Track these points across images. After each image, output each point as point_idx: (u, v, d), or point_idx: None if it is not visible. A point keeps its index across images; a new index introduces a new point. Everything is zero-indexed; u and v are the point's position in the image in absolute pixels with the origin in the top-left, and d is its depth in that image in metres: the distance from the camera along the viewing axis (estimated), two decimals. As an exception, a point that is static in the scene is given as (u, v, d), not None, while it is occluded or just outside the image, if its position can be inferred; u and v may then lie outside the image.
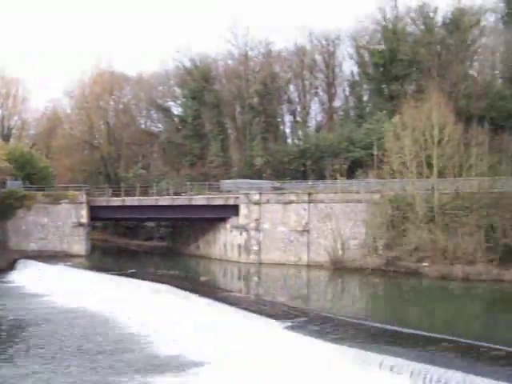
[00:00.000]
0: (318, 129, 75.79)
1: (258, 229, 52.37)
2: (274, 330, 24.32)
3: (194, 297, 32.11)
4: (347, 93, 77.53)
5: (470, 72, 67.17)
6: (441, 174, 45.78)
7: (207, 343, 25.23)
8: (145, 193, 60.94)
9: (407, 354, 19.92)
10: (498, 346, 20.66)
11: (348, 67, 77.05)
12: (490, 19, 70.98)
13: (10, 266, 50.52)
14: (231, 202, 54.49)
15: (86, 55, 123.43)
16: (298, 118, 77.70)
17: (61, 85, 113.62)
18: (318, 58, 77.49)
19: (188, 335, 26.82)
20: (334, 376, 20.00)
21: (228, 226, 55.28)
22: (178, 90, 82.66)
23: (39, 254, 53.62)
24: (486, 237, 40.68)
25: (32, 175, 62.65)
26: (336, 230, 48.95)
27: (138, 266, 48.43)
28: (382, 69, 68.25)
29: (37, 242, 56.17)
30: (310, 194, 51.09)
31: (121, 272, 42.59)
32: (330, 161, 61.80)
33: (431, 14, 68.68)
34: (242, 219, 53.19)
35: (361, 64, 74.67)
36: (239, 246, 53.57)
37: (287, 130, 79.23)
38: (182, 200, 57.08)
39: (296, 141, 74.33)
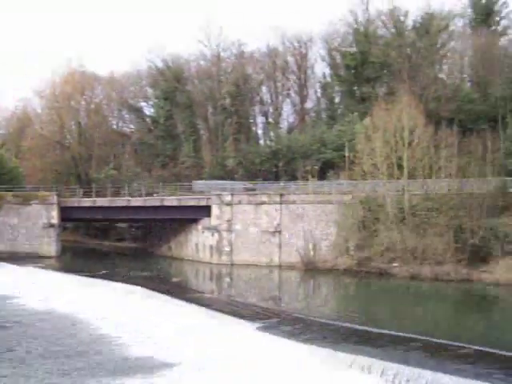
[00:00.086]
0: (290, 130, 76.05)
1: (229, 230, 52.38)
2: (245, 330, 24.43)
3: (165, 298, 32.08)
4: (319, 94, 77.98)
5: (440, 75, 68.02)
6: (411, 176, 46.28)
7: (178, 344, 25.20)
8: (116, 193, 60.54)
9: (378, 354, 20.19)
10: (465, 345, 21.07)
11: (320, 69, 77.55)
12: (458, 24, 72.24)
13: (-22, 268, 49.77)
14: (203, 202, 54.42)
15: (57, 55, 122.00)
16: (270, 120, 77.91)
17: (31, 84, 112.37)
18: (291, 59, 77.86)
19: (159, 336, 26.76)
20: (305, 376, 20.14)
21: (200, 226, 55.19)
22: (150, 91, 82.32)
23: (9, 256, 52.93)
24: (454, 237, 41.16)
25: (1, 175, 61.87)
26: (308, 230, 49.20)
27: (110, 268, 48.13)
28: (353, 71, 68.74)
29: (6, 243, 55.47)
30: (281, 195, 51.25)
31: (92, 273, 42.32)
32: (301, 162, 62.10)
33: (402, 18, 69.46)
34: (213, 220, 53.15)
35: (333, 66, 75.18)
36: (211, 246, 53.51)
37: (259, 131, 79.44)
38: (153, 201, 56.85)
39: (268, 142, 74.48)
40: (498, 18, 71.03)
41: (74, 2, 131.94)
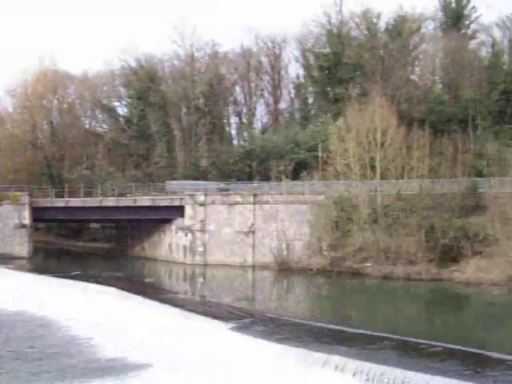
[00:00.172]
0: (264, 130, 76.24)
1: (203, 230, 52.32)
2: (219, 330, 24.46)
3: (138, 298, 31.96)
4: (293, 95, 78.32)
5: (412, 77, 68.84)
6: (384, 176, 46.73)
7: (152, 345, 25.13)
8: (89, 194, 60.09)
9: (350, 353, 20.36)
10: (435, 343, 21.38)
11: (294, 70, 77.89)
12: (429, 27, 73.31)
13: None
14: (176, 203, 54.29)
15: (29, 53, 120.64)
16: (244, 120, 78.01)
17: (2, 83, 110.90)
18: (264, 60, 78.08)
19: (132, 337, 26.65)
20: (279, 375, 20.23)
21: (173, 227, 55.04)
22: (123, 90, 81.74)
23: (-21, 257, 52.24)
24: (426, 237, 41.63)
25: (-29, 176, 61.01)
26: (281, 231, 49.36)
27: (83, 268, 47.78)
28: (326, 72, 69.14)
29: (-23, 244, 54.75)
30: (255, 195, 51.34)
31: (64, 274, 41.98)
32: (275, 162, 62.24)
33: (374, 20, 70.14)
34: (187, 220, 53.05)
35: (306, 67, 75.58)
36: (184, 247, 53.41)
37: (233, 132, 79.46)
38: (126, 201, 56.55)
39: (242, 142, 74.58)
40: (467, 22, 72.24)
41: (47, 0, 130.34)
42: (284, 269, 46.92)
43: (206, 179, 64.04)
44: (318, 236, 46.73)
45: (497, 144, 53.17)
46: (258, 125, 78.46)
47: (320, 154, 54.22)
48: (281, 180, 55.57)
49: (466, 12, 71.65)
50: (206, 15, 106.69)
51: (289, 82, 78.45)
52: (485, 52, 70.66)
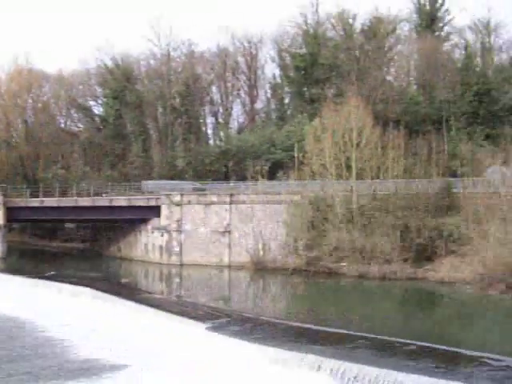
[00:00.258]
0: (240, 130, 76.37)
1: (179, 230, 52.20)
2: (195, 330, 24.44)
3: (113, 299, 31.79)
4: (269, 95, 78.60)
5: (387, 78, 69.48)
6: (359, 176, 47.01)
7: (127, 345, 25.07)
8: (64, 194, 59.56)
9: (326, 352, 20.48)
10: (410, 341, 21.61)
11: (270, 70, 78.20)
12: (404, 28, 74.10)
13: None
14: (152, 203, 54.06)
15: (3, 52, 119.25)
16: (220, 120, 78.08)
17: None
18: (241, 59, 78.25)
19: (107, 338, 26.56)
20: (255, 375, 20.32)
21: (149, 227, 54.81)
22: (99, 90, 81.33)
23: (-49, 258, 51.55)
24: (401, 237, 42.00)
25: None
26: (257, 230, 49.42)
27: (58, 269, 47.28)
28: (303, 72, 69.46)
29: None
30: (231, 195, 51.35)
31: (39, 275, 41.57)
32: (251, 162, 62.33)
33: (350, 21, 70.72)
34: (163, 220, 52.89)
35: (282, 67, 75.87)
36: (160, 247, 53.24)
37: (209, 132, 79.59)
38: (102, 201, 56.15)
39: (218, 142, 74.62)
40: (441, 24, 73.23)
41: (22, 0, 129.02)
42: (260, 269, 46.98)
43: (182, 179, 63.92)
44: (294, 236, 46.85)
45: (470, 144, 53.83)
46: (234, 125, 78.73)
47: (296, 154, 54.41)
48: (257, 180, 55.65)
49: (439, 14, 72.63)
50: (182, 15, 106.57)
51: (265, 82, 78.79)
52: (458, 54, 71.84)
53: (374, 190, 45.31)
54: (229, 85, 77.78)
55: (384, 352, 20.85)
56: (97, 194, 58.57)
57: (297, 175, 52.68)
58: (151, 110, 75.35)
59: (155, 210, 53.33)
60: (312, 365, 19.54)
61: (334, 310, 32.85)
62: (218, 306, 32.03)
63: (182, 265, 51.28)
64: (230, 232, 50.83)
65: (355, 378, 18.36)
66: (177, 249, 52.16)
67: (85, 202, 55.77)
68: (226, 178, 64.91)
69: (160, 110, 75.59)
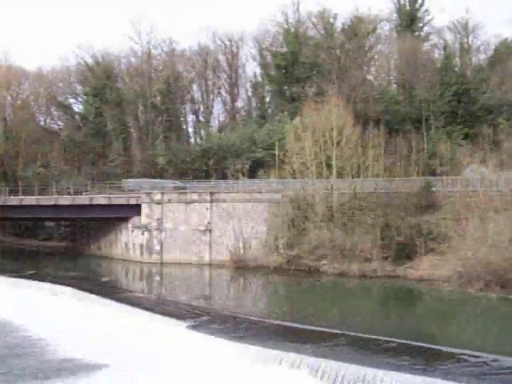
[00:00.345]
0: (221, 129, 76.30)
1: (159, 228, 52.11)
2: (176, 329, 24.44)
3: (93, 298, 31.66)
4: (250, 94, 78.57)
5: (368, 77, 69.78)
6: (340, 175, 47.28)
7: (107, 345, 24.98)
8: (44, 192, 59.11)
9: (306, 350, 20.59)
10: (389, 339, 21.80)
11: (251, 68, 78.36)
12: (384, 28, 74.50)
13: None
14: (133, 201, 53.87)
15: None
16: (201, 118, 77.93)
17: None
18: (222, 58, 78.16)
19: (87, 337, 26.45)
20: (236, 373, 20.37)
21: (130, 225, 54.64)
22: (79, 87, 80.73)
23: None
24: (381, 235, 42.29)
25: None
26: (238, 229, 49.48)
27: (37, 268, 47.00)
28: (283, 71, 69.53)
29: None
30: (212, 194, 51.35)
31: (18, 274, 41.26)
32: (232, 161, 62.36)
33: (331, 20, 70.92)
34: (143, 219, 52.76)
35: (263, 65, 75.89)
36: (141, 245, 53.11)
37: (190, 130, 79.32)
38: (82, 199, 55.85)
39: (198, 140, 74.52)
40: (421, 25, 73.77)
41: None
42: (241, 267, 47.04)
43: (162, 177, 63.79)
44: (275, 234, 46.99)
45: (449, 144, 54.29)
46: (215, 123, 78.62)
47: (277, 153, 54.55)
48: (238, 178, 55.72)
49: (419, 15, 73.17)
50: (163, 13, 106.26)
51: (246, 81, 78.78)
52: (437, 54, 72.34)
53: (355, 189, 45.54)
54: (210, 83, 77.65)
55: (364, 349, 21.00)
56: (77, 193, 58.24)
57: (277, 174, 52.84)
58: (132, 108, 75.03)
59: (136, 209, 53.17)
60: (292, 363, 19.65)
61: (315, 308, 32.96)
62: (199, 304, 32.00)
63: (162, 263, 51.19)
64: (210, 230, 50.83)
65: (335, 375, 18.50)
66: (157, 247, 52.06)
67: (65, 200, 55.41)
68: (207, 176, 64.85)
69: (141, 108, 75.26)
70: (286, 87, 70.29)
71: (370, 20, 70.45)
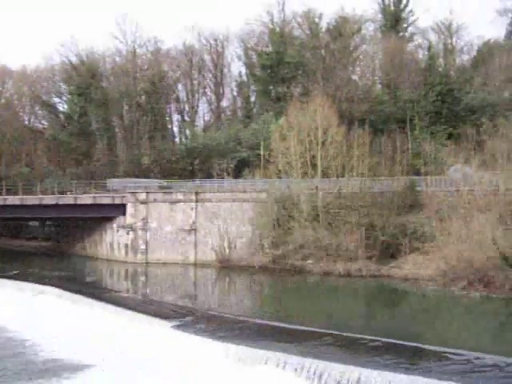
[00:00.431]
0: (206, 128, 76.17)
1: (144, 228, 52.00)
2: (161, 329, 24.42)
3: (78, 298, 31.54)
4: (235, 93, 78.59)
5: (352, 77, 70.01)
6: (325, 174, 47.40)
7: (91, 345, 24.91)
8: (28, 192, 58.71)
9: (292, 350, 20.65)
10: (375, 338, 21.91)
11: (236, 68, 78.49)
12: (369, 28, 74.83)
13: None
14: (118, 201, 53.69)
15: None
16: (186, 118, 77.84)
17: None
18: (207, 57, 78.10)
19: (71, 338, 26.36)
20: (221, 373, 20.40)
21: (115, 225, 54.47)
22: (63, 86, 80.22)
23: None
24: (366, 235, 42.44)
25: None
26: (223, 228, 49.46)
27: (21, 268, 46.74)
28: (269, 71, 69.58)
29: None
30: (197, 193, 51.30)
31: (2, 274, 40.99)
32: (217, 160, 62.24)
33: (316, 20, 71.12)
34: (128, 218, 52.61)
35: (249, 65, 75.93)
36: (126, 245, 52.95)
37: (175, 129, 79.24)
38: (67, 199, 55.53)
39: (184, 140, 74.39)
40: (405, 25, 74.25)
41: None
42: (226, 267, 47.07)
43: (147, 177, 63.59)
44: (260, 234, 47.04)
45: (433, 144, 54.56)
46: (200, 123, 78.57)
47: (262, 153, 54.60)
48: (223, 178, 55.70)
49: (403, 15, 73.60)
50: (148, 12, 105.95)
51: (231, 80, 78.78)
52: (422, 54, 72.77)
53: (339, 188, 45.67)
54: (195, 82, 77.55)
55: (349, 349, 21.10)
56: (61, 192, 57.91)
57: (262, 173, 52.88)
58: (117, 108, 74.70)
59: (121, 208, 53.01)
60: (277, 362, 19.70)
61: (299, 307, 33.04)
62: (184, 304, 31.99)
63: (147, 263, 51.09)
64: (195, 230, 50.80)
65: (320, 374, 18.58)
66: (142, 247, 51.95)
67: (49, 200, 55.08)
68: (192, 176, 64.70)
69: (125, 107, 74.98)
70: (271, 87, 70.37)
71: (354, 20, 70.73)
